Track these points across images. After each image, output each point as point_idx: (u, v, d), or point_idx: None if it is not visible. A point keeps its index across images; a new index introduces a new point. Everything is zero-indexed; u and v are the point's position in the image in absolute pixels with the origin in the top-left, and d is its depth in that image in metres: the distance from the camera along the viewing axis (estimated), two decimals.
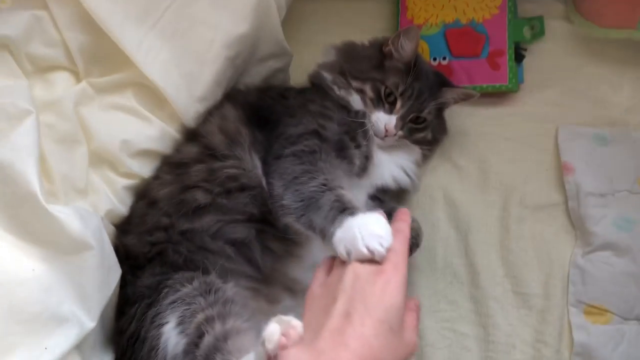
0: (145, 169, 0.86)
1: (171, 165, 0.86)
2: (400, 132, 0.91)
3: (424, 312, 0.92)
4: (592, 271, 0.91)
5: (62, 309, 0.65)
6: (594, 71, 1.08)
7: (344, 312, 0.57)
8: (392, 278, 0.59)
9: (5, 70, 0.77)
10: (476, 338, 0.92)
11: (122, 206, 0.84)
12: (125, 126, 0.84)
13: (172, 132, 0.88)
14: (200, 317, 0.70)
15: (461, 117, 1.07)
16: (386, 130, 0.90)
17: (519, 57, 1.08)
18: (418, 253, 0.92)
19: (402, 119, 0.91)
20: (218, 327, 0.68)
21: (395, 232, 0.65)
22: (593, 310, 0.89)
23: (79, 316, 0.67)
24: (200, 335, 0.68)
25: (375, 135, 0.91)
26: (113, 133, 0.82)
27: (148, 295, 0.75)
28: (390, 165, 0.93)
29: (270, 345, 0.56)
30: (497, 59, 1.07)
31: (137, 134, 0.84)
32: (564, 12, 1.13)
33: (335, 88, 0.94)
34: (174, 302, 0.72)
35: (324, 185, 0.75)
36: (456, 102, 0.98)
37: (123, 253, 0.80)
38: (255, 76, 1.00)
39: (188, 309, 0.71)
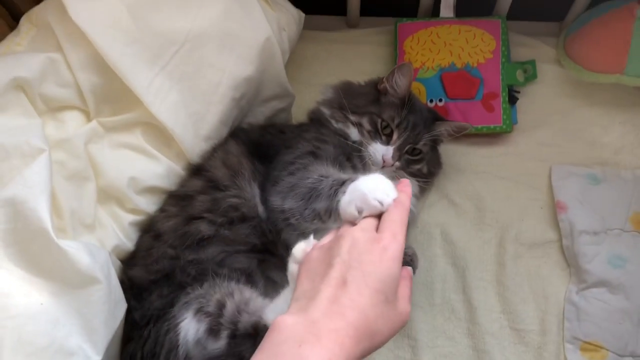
0: (151, 206, 0.88)
1: (176, 197, 0.88)
2: (397, 163, 0.93)
3: (422, 348, 0.93)
4: (586, 308, 0.92)
5: (69, 342, 0.66)
6: (585, 113, 1.12)
7: (340, 279, 0.56)
8: (389, 246, 0.58)
9: (19, 110, 0.78)
10: None
11: (128, 242, 0.85)
12: (133, 164, 0.86)
13: (179, 170, 0.90)
14: (217, 295, 0.73)
15: (457, 156, 1.10)
16: (384, 161, 0.92)
17: (512, 99, 1.12)
18: (416, 288, 0.93)
19: (398, 149, 0.93)
20: (237, 296, 0.73)
21: (395, 203, 0.63)
22: (589, 346, 0.91)
23: (85, 349, 0.68)
24: (221, 306, 0.71)
25: (373, 165, 0.93)
26: (121, 170, 0.84)
27: (160, 315, 0.77)
28: None
29: (298, 255, 0.65)
30: (491, 101, 1.11)
31: (145, 171, 0.86)
32: (555, 57, 1.18)
33: (333, 121, 0.96)
34: (187, 302, 0.74)
35: (321, 176, 0.76)
36: (450, 135, 1.00)
37: (127, 284, 0.81)
38: (259, 115, 1.03)
39: (203, 299, 0.73)
